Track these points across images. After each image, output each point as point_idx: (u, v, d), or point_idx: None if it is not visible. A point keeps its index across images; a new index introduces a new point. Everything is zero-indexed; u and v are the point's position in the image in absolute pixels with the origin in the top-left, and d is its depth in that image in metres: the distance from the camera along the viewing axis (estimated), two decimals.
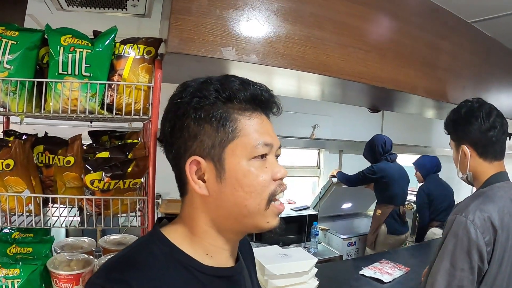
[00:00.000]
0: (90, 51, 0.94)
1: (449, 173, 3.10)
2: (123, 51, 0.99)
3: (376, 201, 3.12)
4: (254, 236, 2.61)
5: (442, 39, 1.64)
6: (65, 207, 1.08)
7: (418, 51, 1.54)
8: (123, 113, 0.98)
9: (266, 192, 0.60)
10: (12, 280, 0.94)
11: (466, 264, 0.99)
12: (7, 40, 0.90)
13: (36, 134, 1.09)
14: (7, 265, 0.94)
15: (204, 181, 0.60)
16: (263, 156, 0.61)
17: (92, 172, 0.95)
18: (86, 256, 1.05)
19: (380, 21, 1.41)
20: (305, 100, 2.93)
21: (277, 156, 0.64)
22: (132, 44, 1.00)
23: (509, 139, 1.35)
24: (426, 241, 2.95)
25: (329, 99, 2.30)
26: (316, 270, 1.53)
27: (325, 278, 1.73)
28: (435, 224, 3.00)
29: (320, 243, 3.07)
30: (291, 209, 3.09)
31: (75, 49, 0.92)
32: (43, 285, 0.99)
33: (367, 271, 1.96)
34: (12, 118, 1.21)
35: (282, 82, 1.54)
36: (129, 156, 1.02)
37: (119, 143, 1.13)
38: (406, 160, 3.60)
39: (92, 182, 0.95)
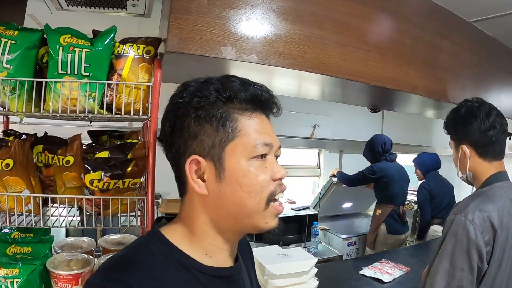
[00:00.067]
0: (89, 50, 0.93)
1: (449, 173, 3.10)
2: (123, 50, 0.98)
3: (376, 201, 3.12)
4: (254, 236, 2.61)
5: (442, 38, 1.64)
6: (65, 207, 1.08)
7: (418, 50, 1.54)
8: (123, 113, 0.98)
9: (266, 192, 0.60)
10: (12, 280, 0.94)
11: (465, 264, 0.99)
12: (7, 40, 0.90)
13: (36, 134, 1.09)
14: (6, 265, 0.94)
15: (203, 181, 0.60)
16: (262, 156, 0.61)
17: (91, 171, 0.95)
18: (86, 256, 1.05)
19: (380, 20, 1.41)
20: (305, 100, 2.94)
21: (277, 156, 0.64)
22: (131, 44, 1.00)
23: (510, 139, 1.35)
24: (426, 241, 2.95)
25: (329, 98, 2.30)
26: (316, 270, 1.53)
27: (325, 278, 1.73)
28: (436, 222, 2.99)
29: (320, 242, 3.07)
30: (292, 208, 3.09)
31: (75, 48, 0.92)
32: (43, 285, 0.99)
33: (367, 271, 1.96)
34: (12, 118, 1.21)
35: (282, 81, 1.53)
36: (128, 156, 1.02)
37: (119, 143, 1.13)
38: (406, 160, 3.60)
39: (91, 182, 0.95)
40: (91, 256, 1.06)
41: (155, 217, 0.83)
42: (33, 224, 1.00)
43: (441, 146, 4.30)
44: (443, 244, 1.05)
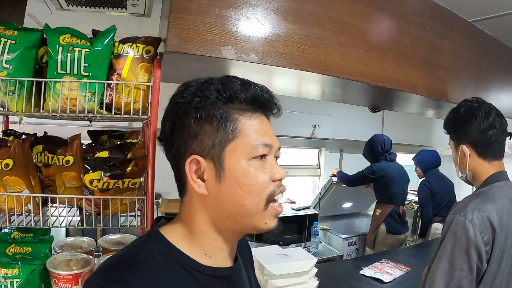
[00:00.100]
0: (89, 50, 0.93)
1: (449, 172, 3.09)
2: (122, 50, 0.98)
3: (376, 200, 3.12)
4: (254, 236, 2.62)
5: (442, 38, 1.64)
6: (65, 207, 1.08)
7: (419, 50, 1.53)
8: (122, 113, 0.98)
9: (265, 193, 0.60)
10: (11, 280, 0.94)
11: (464, 264, 0.99)
12: (6, 40, 0.90)
13: (35, 134, 1.09)
14: (6, 265, 0.94)
15: (203, 181, 0.60)
16: (262, 156, 0.61)
17: (91, 171, 0.95)
18: (86, 256, 1.05)
19: (380, 20, 1.41)
20: (306, 100, 2.94)
21: (276, 157, 0.64)
22: (131, 44, 1.00)
23: (510, 139, 1.35)
24: (426, 241, 2.94)
25: (330, 98, 2.30)
26: (316, 270, 1.53)
27: (325, 278, 1.73)
28: (437, 220, 2.99)
29: (321, 242, 3.07)
30: (292, 208, 3.09)
31: (74, 48, 0.92)
32: (42, 285, 0.99)
33: (367, 271, 1.96)
34: (12, 118, 1.21)
35: (282, 81, 1.53)
36: (128, 156, 1.02)
37: (118, 143, 1.12)
38: (407, 160, 3.59)
39: (91, 182, 0.95)
40: (90, 256, 1.06)
41: (155, 217, 0.83)
42: (33, 224, 0.99)
43: (441, 145, 4.29)
44: (442, 244, 1.04)
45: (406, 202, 3.29)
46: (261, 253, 1.51)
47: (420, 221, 3.13)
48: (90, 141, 1.19)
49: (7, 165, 0.93)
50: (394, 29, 1.45)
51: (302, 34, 1.17)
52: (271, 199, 0.61)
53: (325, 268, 2.02)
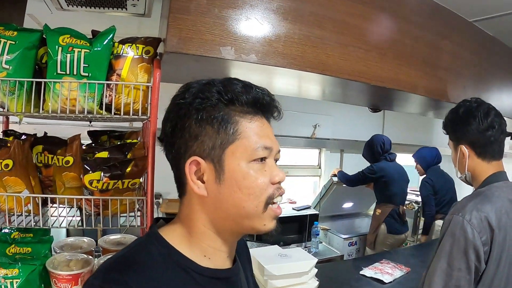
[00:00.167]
0: (88, 51, 0.94)
1: (449, 172, 3.08)
2: (122, 50, 0.98)
3: (376, 200, 3.11)
4: (254, 236, 2.62)
5: (442, 38, 1.64)
6: (64, 207, 1.08)
7: (419, 50, 1.53)
8: (122, 113, 0.98)
9: (264, 195, 0.60)
10: (11, 280, 0.94)
11: (463, 264, 0.98)
12: (6, 40, 0.90)
13: (35, 134, 1.09)
14: (6, 265, 0.95)
15: (203, 182, 0.60)
16: (262, 159, 0.61)
17: (90, 172, 0.95)
18: (85, 256, 1.05)
19: (381, 20, 1.41)
20: (306, 100, 2.93)
21: (276, 160, 0.65)
22: (130, 44, 1.00)
23: (511, 139, 1.34)
24: (429, 239, 2.93)
25: (330, 98, 2.30)
26: (316, 270, 1.53)
27: (325, 278, 1.73)
28: (439, 217, 2.96)
29: (321, 242, 3.07)
30: (292, 208, 3.09)
31: (74, 49, 0.92)
32: (42, 285, 0.99)
33: (367, 271, 1.95)
34: (12, 118, 1.22)
35: (282, 81, 1.53)
36: (128, 156, 1.02)
37: (118, 143, 1.12)
38: (407, 160, 3.59)
39: (90, 182, 0.95)
40: (90, 256, 1.06)
41: (155, 217, 0.83)
42: (33, 225, 1.00)
43: (442, 145, 4.27)
44: (441, 244, 1.05)
45: (407, 202, 3.28)
46: (261, 254, 1.51)
47: (423, 218, 3.10)
48: (90, 142, 1.19)
49: (7, 165, 0.93)
50: (394, 29, 1.45)
51: (302, 34, 1.17)
52: (270, 201, 0.61)
53: (325, 268, 2.02)
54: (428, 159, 3.13)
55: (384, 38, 1.41)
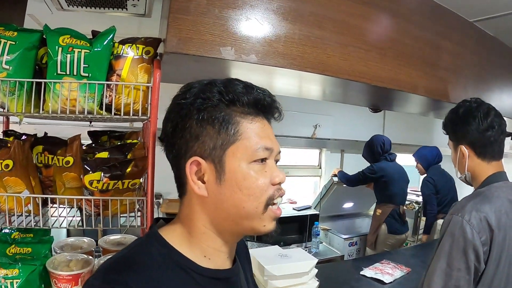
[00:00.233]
0: (88, 51, 0.94)
1: (449, 172, 3.08)
2: (122, 51, 0.98)
3: (376, 201, 3.11)
4: (255, 236, 2.61)
5: (443, 38, 1.63)
6: (65, 208, 1.09)
7: (419, 50, 1.53)
8: (122, 113, 0.98)
9: (265, 196, 0.60)
10: (11, 281, 0.94)
11: (462, 264, 0.98)
12: (6, 41, 0.91)
13: (36, 135, 1.09)
14: (6, 265, 0.95)
15: (203, 182, 0.60)
16: (263, 160, 0.61)
17: (90, 172, 0.95)
18: (86, 256, 1.05)
19: (381, 20, 1.41)
20: (306, 100, 2.93)
21: (276, 161, 0.65)
22: (130, 44, 1.00)
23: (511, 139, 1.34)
24: (431, 238, 2.92)
25: (330, 98, 2.29)
26: (316, 270, 1.53)
27: (325, 278, 1.73)
28: (440, 216, 2.95)
29: (322, 243, 3.07)
30: (293, 208, 3.09)
31: (74, 49, 0.92)
32: (42, 285, 0.99)
33: (367, 272, 1.95)
34: (13, 118, 1.22)
35: (283, 82, 1.53)
36: (128, 156, 1.02)
37: (118, 143, 1.12)
38: (408, 160, 3.58)
39: (91, 183, 0.95)
40: (90, 257, 1.06)
41: (155, 217, 0.83)
42: (33, 225, 1.00)
43: (442, 146, 4.26)
44: (440, 244, 1.05)
45: (407, 202, 3.27)
46: (261, 254, 1.51)
47: (424, 218, 3.08)
48: (91, 142, 1.19)
49: (7, 165, 0.93)
50: (394, 29, 1.45)
51: (302, 34, 1.17)
52: (270, 202, 0.61)
53: (325, 268, 2.02)
54: (428, 158, 3.11)
55: (384, 38, 1.41)
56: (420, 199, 3.54)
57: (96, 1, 1.55)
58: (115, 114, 0.98)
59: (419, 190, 3.23)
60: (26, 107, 0.94)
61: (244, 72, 1.25)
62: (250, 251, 0.84)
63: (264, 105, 0.62)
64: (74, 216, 1.06)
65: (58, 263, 1.00)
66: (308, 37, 1.18)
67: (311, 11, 1.19)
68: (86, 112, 0.95)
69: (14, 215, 0.96)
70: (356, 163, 3.40)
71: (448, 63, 1.67)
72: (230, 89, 0.60)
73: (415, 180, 3.32)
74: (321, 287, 1.57)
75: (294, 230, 3.00)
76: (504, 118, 1.19)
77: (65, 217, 1.07)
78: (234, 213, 0.60)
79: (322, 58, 1.21)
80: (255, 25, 1.08)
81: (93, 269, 1.00)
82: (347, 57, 1.28)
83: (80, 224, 1.04)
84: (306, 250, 2.77)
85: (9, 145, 0.94)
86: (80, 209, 1.04)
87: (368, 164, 3.05)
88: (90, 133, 1.24)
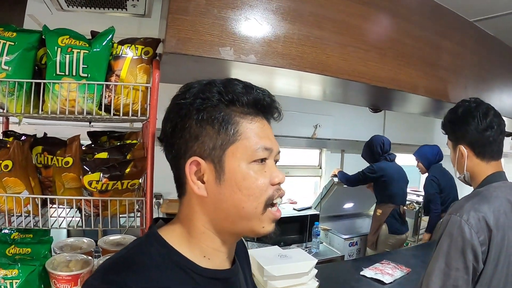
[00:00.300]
0: (87, 51, 0.93)
1: (450, 171, 3.07)
2: (121, 51, 0.98)
3: (376, 201, 3.11)
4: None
5: (443, 38, 1.63)
6: (64, 208, 1.09)
7: (419, 50, 1.53)
8: (121, 114, 0.98)
9: (264, 196, 0.60)
10: (11, 281, 0.95)
11: (460, 264, 0.98)
12: (5, 41, 0.90)
13: (35, 135, 1.09)
14: (5, 265, 0.95)
15: (203, 182, 0.60)
16: (262, 160, 0.61)
17: (90, 173, 0.95)
18: (85, 256, 1.05)
19: (380, 20, 1.40)
20: (307, 100, 2.93)
21: (276, 161, 0.65)
22: (129, 45, 1.00)
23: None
24: (431, 240, 2.92)
25: (330, 98, 2.29)
26: (316, 271, 1.53)
27: (325, 279, 1.73)
28: (443, 216, 2.96)
29: (322, 243, 3.07)
30: (293, 209, 3.09)
31: (73, 49, 0.92)
32: (42, 285, 0.99)
33: (368, 272, 1.95)
34: (12, 119, 1.22)
35: (283, 82, 1.53)
36: (127, 157, 1.02)
37: (118, 144, 1.12)
38: (408, 160, 3.58)
39: (90, 183, 0.95)
40: (90, 257, 1.06)
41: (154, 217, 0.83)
42: (33, 225, 1.00)
43: (443, 146, 4.27)
44: (439, 244, 1.05)
45: (408, 202, 3.27)
46: (260, 254, 1.51)
47: (427, 217, 3.06)
48: (90, 142, 1.19)
49: (6, 166, 0.93)
50: (394, 29, 1.44)
51: (301, 34, 1.17)
52: (269, 202, 0.61)
53: (325, 269, 2.02)
54: (429, 157, 3.10)
55: (384, 38, 1.41)
56: (420, 199, 3.54)
57: (95, 2, 1.55)
58: (114, 114, 0.98)
59: (420, 190, 3.22)
60: (25, 108, 0.94)
61: (244, 72, 1.25)
62: (250, 251, 0.84)
63: (263, 105, 0.62)
64: (73, 217, 1.06)
65: (57, 263, 1.00)
66: (308, 37, 1.18)
67: (311, 11, 1.19)
68: (85, 113, 0.95)
69: (13, 215, 0.96)
70: (356, 163, 3.39)
71: (448, 63, 1.67)
72: (230, 89, 0.60)
73: (415, 180, 3.32)
74: (321, 287, 1.56)
75: (294, 230, 3.00)
76: (504, 118, 1.19)
77: (64, 217, 1.07)
78: (234, 213, 0.60)
79: (321, 58, 1.21)
80: (254, 25, 1.08)
81: (92, 270, 1.00)
82: (346, 57, 1.28)
83: (80, 224, 1.04)
84: (306, 250, 2.77)
85: (8, 145, 0.94)
86: (79, 209, 1.04)
87: (368, 164, 3.05)
88: (90, 134, 1.24)
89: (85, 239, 1.20)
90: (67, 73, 0.93)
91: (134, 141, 1.12)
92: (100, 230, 1.78)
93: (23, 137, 1.07)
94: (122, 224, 1.06)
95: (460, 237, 0.99)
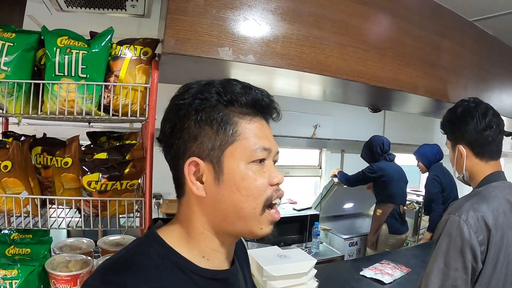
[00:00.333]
0: (86, 52, 0.93)
1: (450, 170, 3.07)
2: (120, 52, 0.98)
3: (376, 201, 3.10)
4: None
5: (443, 38, 1.63)
6: (63, 208, 1.09)
7: (419, 50, 1.53)
8: (120, 114, 0.98)
9: (263, 197, 0.60)
10: (10, 281, 0.95)
11: (459, 264, 0.98)
12: (4, 42, 0.90)
13: (34, 136, 1.09)
14: (5, 266, 0.95)
15: (202, 183, 0.60)
16: (261, 160, 0.61)
17: (89, 173, 0.95)
18: (85, 257, 1.05)
19: (380, 20, 1.40)
20: (306, 100, 2.93)
21: (275, 161, 0.65)
22: (128, 45, 1.00)
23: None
24: (427, 241, 2.92)
25: (330, 99, 2.29)
26: (315, 271, 1.53)
27: (325, 279, 1.73)
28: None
29: (322, 243, 3.07)
30: (293, 209, 3.09)
31: (71, 50, 0.92)
32: (41, 286, 0.99)
33: (367, 272, 1.95)
34: (12, 119, 1.22)
35: (282, 82, 1.53)
36: (126, 157, 1.02)
37: (117, 144, 1.13)
38: (408, 160, 3.58)
39: (89, 183, 0.95)
40: (89, 257, 1.06)
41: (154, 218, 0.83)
42: (32, 226, 1.00)
43: (443, 145, 4.27)
44: (438, 244, 1.05)
45: (408, 202, 3.26)
46: (260, 254, 1.51)
47: (430, 216, 3.03)
48: (89, 143, 1.19)
49: (5, 166, 0.93)
50: (394, 29, 1.44)
51: (300, 34, 1.17)
52: (268, 203, 0.61)
53: (325, 269, 2.02)
54: (429, 156, 3.09)
55: (383, 38, 1.40)
56: (420, 199, 3.53)
57: (95, 2, 1.55)
58: (113, 115, 0.98)
59: (420, 189, 3.21)
60: (24, 108, 0.94)
61: (243, 72, 1.25)
62: (249, 251, 0.84)
63: (262, 105, 0.62)
64: (73, 217, 1.07)
65: (57, 263, 1.00)
66: (307, 37, 1.18)
67: (310, 11, 1.19)
68: (84, 113, 0.95)
69: (13, 216, 0.96)
70: (356, 163, 3.39)
71: (448, 63, 1.67)
72: (228, 90, 0.60)
73: (415, 180, 3.32)
74: (321, 287, 1.56)
75: (294, 230, 3.00)
76: (504, 118, 1.18)
77: (64, 218, 1.08)
78: (232, 213, 0.60)
79: (320, 58, 1.21)
80: (253, 26, 1.08)
81: (92, 270, 1.00)
82: (346, 57, 1.28)
83: (79, 224, 1.04)
84: (306, 250, 2.78)
85: (7, 146, 0.94)
86: (79, 210, 1.04)
87: (367, 164, 3.04)
88: (89, 134, 1.24)
89: (85, 240, 1.20)
90: (66, 74, 0.93)
91: (133, 142, 1.12)
92: (99, 231, 1.79)
93: (22, 138, 1.07)
94: (121, 225, 1.06)
95: (459, 237, 0.99)
